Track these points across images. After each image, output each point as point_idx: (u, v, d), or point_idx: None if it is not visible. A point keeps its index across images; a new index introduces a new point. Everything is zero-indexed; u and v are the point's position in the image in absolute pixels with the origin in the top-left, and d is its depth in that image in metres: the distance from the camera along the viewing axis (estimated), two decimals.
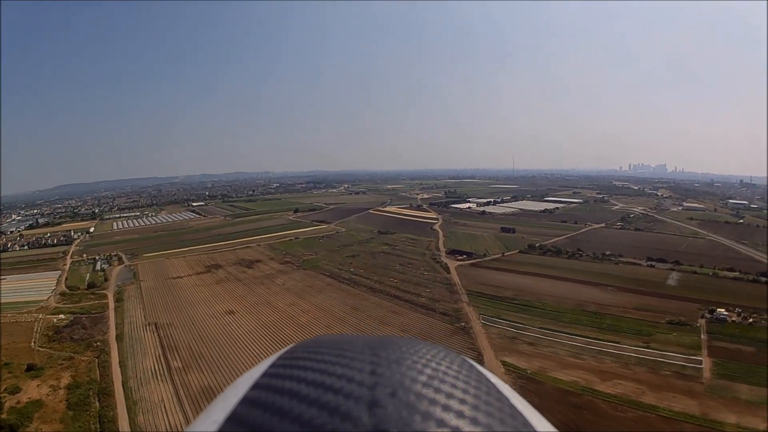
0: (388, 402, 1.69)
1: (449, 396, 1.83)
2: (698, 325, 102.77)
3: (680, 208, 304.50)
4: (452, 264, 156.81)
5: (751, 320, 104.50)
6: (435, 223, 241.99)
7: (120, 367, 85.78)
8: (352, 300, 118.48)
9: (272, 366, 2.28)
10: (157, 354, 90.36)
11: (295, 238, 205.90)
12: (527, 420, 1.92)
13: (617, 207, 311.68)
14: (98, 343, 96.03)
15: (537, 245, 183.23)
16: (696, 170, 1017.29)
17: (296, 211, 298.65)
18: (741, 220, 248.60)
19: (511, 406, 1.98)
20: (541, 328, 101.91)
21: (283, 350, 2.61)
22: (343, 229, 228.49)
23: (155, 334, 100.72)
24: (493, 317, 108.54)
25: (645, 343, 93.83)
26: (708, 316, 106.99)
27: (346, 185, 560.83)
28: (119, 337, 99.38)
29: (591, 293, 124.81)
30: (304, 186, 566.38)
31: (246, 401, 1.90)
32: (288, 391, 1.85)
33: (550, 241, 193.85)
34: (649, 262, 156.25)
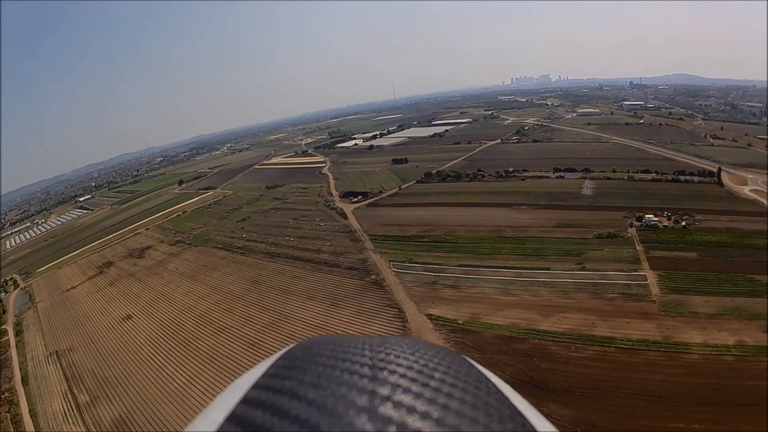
0: (387, 401, 1.81)
1: (449, 395, 1.95)
2: (629, 235, 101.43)
3: (575, 114, 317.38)
4: (348, 208, 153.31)
5: (683, 223, 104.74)
6: (323, 167, 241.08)
7: (31, 416, 79.76)
8: (249, 271, 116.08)
9: (272, 366, 2.44)
10: (63, 390, 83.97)
11: (183, 212, 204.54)
12: (527, 420, 2.04)
13: (509, 121, 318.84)
14: (5, 394, 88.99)
15: (434, 172, 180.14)
16: (581, 76, 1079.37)
17: (181, 182, 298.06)
18: (641, 121, 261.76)
19: (511, 406, 2.11)
20: (459, 265, 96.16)
21: (283, 350, 2.82)
22: (230, 192, 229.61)
23: (58, 365, 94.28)
24: (404, 262, 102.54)
25: (578, 264, 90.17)
26: (637, 224, 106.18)
27: (228, 145, 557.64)
28: (24, 380, 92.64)
29: (504, 215, 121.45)
30: (187, 154, 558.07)
31: (246, 401, 2.04)
32: (287, 391, 1.98)
33: (446, 165, 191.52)
34: (557, 174, 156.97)
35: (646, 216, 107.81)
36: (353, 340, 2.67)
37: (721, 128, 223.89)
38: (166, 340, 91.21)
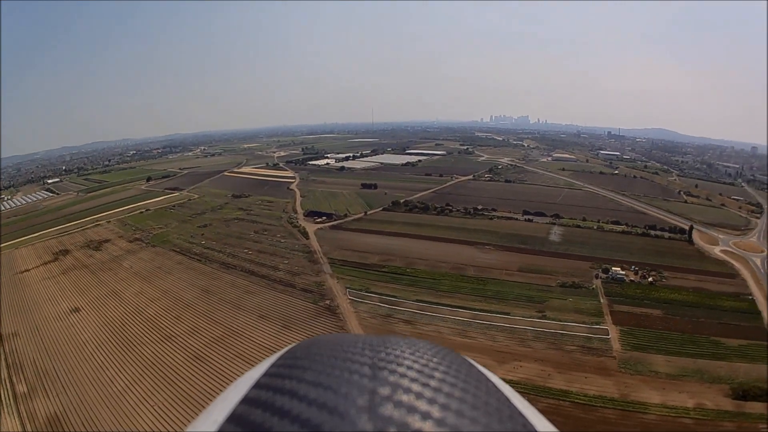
0: (388, 402, 1.84)
1: (449, 395, 1.98)
2: (594, 286, 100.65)
3: (550, 158, 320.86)
4: (311, 227, 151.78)
5: (651, 279, 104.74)
6: (292, 183, 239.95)
7: None
8: (203, 280, 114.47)
9: (273, 366, 2.49)
10: (2, 377, 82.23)
11: (146, 210, 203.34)
12: (527, 420, 2.08)
13: (483, 158, 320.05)
14: None
15: (402, 201, 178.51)
16: (560, 121, 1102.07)
17: (149, 179, 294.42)
18: (616, 171, 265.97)
19: (511, 406, 2.15)
20: (417, 300, 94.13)
21: (283, 350, 2.89)
22: (196, 196, 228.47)
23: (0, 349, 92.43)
24: (361, 290, 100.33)
25: (539, 312, 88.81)
26: (603, 275, 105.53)
27: (202, 147, 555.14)
28: None
29: (468, 253, 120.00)
30: (160, 151, 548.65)
31: (246, 401, 2.08)
32: (288, 391, 2.01)
33: (415, 196, 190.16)
34: (526, 216, 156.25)
35: (613, 268, 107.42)
36: (353, 340, 2.73)
37: (696, 186, 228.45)
38: (111, 340, 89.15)
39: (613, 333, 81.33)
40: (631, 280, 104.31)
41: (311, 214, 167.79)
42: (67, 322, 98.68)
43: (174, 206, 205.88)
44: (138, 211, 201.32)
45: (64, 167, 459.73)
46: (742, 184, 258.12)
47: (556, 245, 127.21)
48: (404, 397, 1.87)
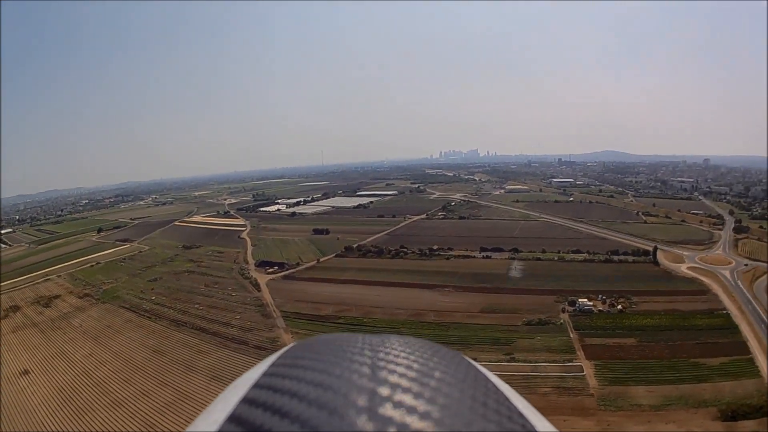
0: (387, 401, 1.87)
1: (448, 395, 2.02)
2: (562, 321, 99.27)
3: (503, 191, 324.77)
4: (263, 279, 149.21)
5: (620, 307, 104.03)
6: (243, 231, 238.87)
7: None
8: (153, 339, 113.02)
9: (272, 365, 2.54)
10: None
11: (96, 264, 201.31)
12: (527, 420, 2.11)
13: (435, 195, 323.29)
14: None
15: (355, 246, 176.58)
16: (509, 153, 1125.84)
17: (100, 230, 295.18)
18: (571, 198, 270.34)
19: (511, 406, 2.18)
20: None
21: (283, 350, 2.96)
22: (147, 247, 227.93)
23: None
24: None
25: (507, 354, 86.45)
26: (570, 309, 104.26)
27: (154, 196, 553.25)
28: None
29: (427, 298, 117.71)
30: (112, 200, 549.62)
31: (246, 401, 2.11)
32: (288, 391, 2.04)
33: (369, 239, 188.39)
34: (484, 253, 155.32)
35: (580, 300, 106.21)
36: (353, 340, 2.75)
37: (654, 205, 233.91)
38: (61, 407, 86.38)
39: (588, 369, 79.65)
40: (599, 311, 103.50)
41: (263, 264, 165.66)
42: (17, 387, 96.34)
43: (124, 259, 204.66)
44: (88, 265, 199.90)
45: (17, 217, 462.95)
46: (700, 197, 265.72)
47: (518, 281, 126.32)
48: (404, 397, 1.90)
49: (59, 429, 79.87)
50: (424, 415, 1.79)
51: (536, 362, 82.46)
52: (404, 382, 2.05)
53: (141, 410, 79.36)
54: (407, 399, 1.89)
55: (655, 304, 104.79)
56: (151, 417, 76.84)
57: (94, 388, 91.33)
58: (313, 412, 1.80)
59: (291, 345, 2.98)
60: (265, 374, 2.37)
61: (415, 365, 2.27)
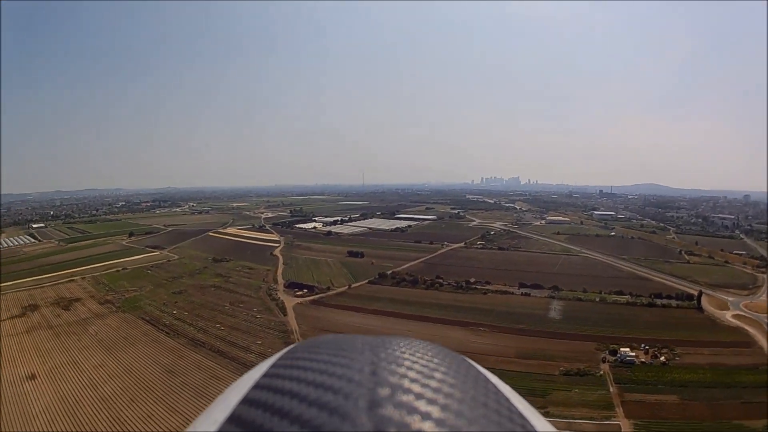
0: (388, 402, 1.85)
1: (449, 396, 2.01)
2: (601, 372, 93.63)
3: (543, 222, 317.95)
4: (290, 302, 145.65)
5: (663, 358, 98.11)
6: (276, 247, 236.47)
7: None
8: (167, 357, 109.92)
9: (273, 366, 2.52)
10: None
11: (123, 269, 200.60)
12: (527, 420, 2.10)
13: (474, 223, 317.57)
14: None
15: (389, 273, 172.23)
16: (550, 181, 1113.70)
17: (131, 234, 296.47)
18: (612, 233, 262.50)
19: (511, 406, 2.16)
20: None
21: (283, 350, 2.88)
22: (176, 257, 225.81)
23: None
24: None
25: (541, 408, 78.08)
26: (611, 358, 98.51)
27: (191, 204, 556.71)
28: None
29: (460, 337, 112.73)
30: (149, 204, 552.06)
31: (246, 401, 2.11)
32: (288, 391, 2.04)
33: (404, 266, 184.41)
34: (522, 290, 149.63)
35: (622, 350, 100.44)
36: (353, 340, 2.72)
37: (696, 243, 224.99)
38: (62, 418, 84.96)
39: (626, 427, 74.71)
40: (641, 362, 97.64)
41: (292, 286, 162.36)
42: (21, 390, 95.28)
43: (152, 267, 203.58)
44: (115, 269, 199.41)
45: (52, 212, 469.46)
46: (741, 235, 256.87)
47: (557, 324, 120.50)
48: (404, 398, 1.88)
49: None
50: (425, 416, 1.78)
51: (572, 418, 77.40)
52: (405, 383, 2.02)
53: None
54: (408, 399, 1.88)
55: (699, 356, 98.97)
56: None
57: (98, 403, 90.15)
58: (313, 412, 1.79)
59: (291, 345, 2.94)
60: (266, 375, 2.36)
61: (416, 366, 2.24)
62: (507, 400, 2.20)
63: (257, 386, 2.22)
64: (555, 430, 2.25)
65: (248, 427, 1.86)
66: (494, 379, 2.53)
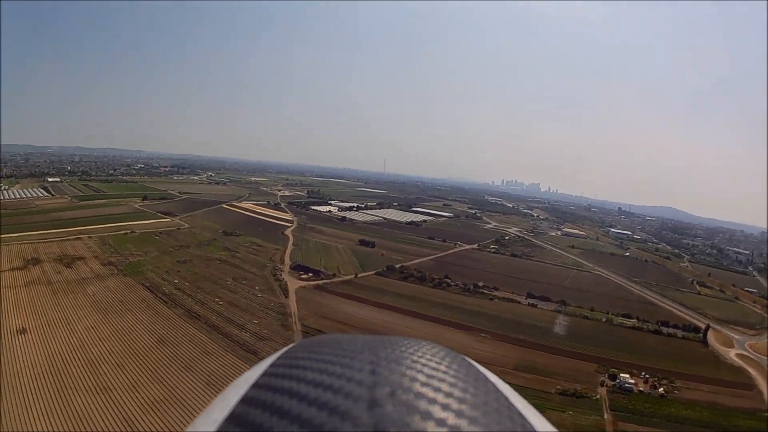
0: (388, 401, 1.85)
1: (448, 395, 1.99)
2: (598, 396, 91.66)
3: (559, 233, 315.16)
4: (294, 284, 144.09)
5: (662, 390, 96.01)
6: (288, 227, 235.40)
7: None
8: (162, 326, 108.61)
9: (272, 365, 2.50)
10: None
11: (131, 233, 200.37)
12: (527, 419, 2.10)
13: (491, 226, 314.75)
14: None
15: (398, 266, 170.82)
16: (570, 191, 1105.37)
17: (145, 198, 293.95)
18: (627, 253, 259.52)
19: (511, 406, 2.17)
20: None
21: (283, 349, 2.88)
22: (187, 225, 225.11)
23: None
24: None
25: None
26: (609, 383, 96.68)
27: (210, 173, 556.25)
28: None
29: (462, 341, 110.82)
30: (167, 170, 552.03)
31: (246, 401, 2.10)
32: (288, 391, 2.03)
33: (413, 261, 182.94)
34: (529, 300, 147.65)
35: (621, 375, 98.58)
36: (353, 340, 2.75)
37: (709, 274, 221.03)
38: (46, 377, 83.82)
39: None
40: (640, 390, 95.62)
41: (298, 268, 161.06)
42: (9, 344, 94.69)
43: (161, 233, 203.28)
44: (123, 232, 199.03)
45: (69, 167, 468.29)
46: (754, 273, 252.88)
47: (561, 339, 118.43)
48: (404, 397, 1.88)
49: (34, 397, 77.76)
50: (425, 415, 1.77)
51: None
52: (405, 383, 2.02)
53: (124, 403, 76.04)
54: (408, 398, 1.87)
55: (698, 392, 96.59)
56: (131, 413, 73.62)
57: (84, 365, 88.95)
58: (313, 411, 1.79)
59: (291, 345, 2.95)
60: (265, 374, 2.35)
61: (416, 365, 2.24)
62: (507, 399, 2.20)
63: (256, 385, 2.21)
64: (554, 429, 2.29)
65: (248, 426, 1.85)
66: (494, 378, 2.52)
